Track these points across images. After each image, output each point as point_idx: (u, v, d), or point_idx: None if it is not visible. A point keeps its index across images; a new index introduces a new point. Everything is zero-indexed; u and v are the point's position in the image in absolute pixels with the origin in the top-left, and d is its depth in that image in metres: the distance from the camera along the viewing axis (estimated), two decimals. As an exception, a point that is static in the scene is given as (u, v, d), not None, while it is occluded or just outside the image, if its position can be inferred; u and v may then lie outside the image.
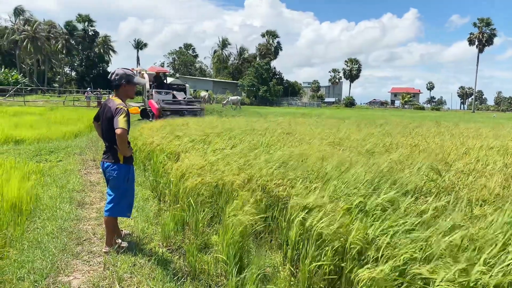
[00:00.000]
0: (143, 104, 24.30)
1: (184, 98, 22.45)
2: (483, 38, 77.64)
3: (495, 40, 78.21)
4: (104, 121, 4.16)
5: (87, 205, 5.99)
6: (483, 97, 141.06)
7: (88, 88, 46.15)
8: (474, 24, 78.96)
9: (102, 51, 78.68)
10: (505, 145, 7.68)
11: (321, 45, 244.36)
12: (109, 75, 4.28)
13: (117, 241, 4.26)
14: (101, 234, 4.68)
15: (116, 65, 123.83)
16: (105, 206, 4.25)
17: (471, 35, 79.25)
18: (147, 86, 22.48)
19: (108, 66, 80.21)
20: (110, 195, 4.22)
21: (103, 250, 4.20)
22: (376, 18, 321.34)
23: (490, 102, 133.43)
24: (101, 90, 46.92)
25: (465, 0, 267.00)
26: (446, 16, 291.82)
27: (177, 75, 74.86)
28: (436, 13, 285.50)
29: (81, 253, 4.18)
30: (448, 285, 2.17)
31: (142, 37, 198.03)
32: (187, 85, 24.86)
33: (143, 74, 23.59)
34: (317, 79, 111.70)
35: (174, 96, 21.97)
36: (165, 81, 23.60)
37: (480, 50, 79.26)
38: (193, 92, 43.03)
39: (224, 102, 42.27)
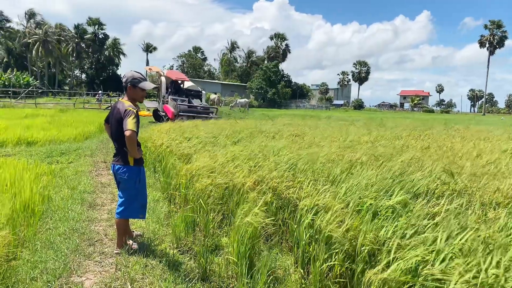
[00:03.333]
0: (157, 103, 23.85)
1: (200, 104, 22.32)
2: (494, 41, 76.89)
3: (508, 42, 77.29)
4: (114, 123, 4.18)
5: (98, 206, 6.03)
6: (494, 99, 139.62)
7: (100, 91, 46.29)
8: (485, 26, 78.26)
9: (111, 54, 79.31)
10: (518, 148, 7.59)
11: (331, 48, 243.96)
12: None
13: (128, 242, 4.29)
14: (113, 235, 4.71)
15: (126, 67, 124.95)
16: (116, 208, 4.28)
17: (482, 38, 78.55)
18: (163, 90, 22.19)
19: (118, 69, 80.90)
20: (121, 197, 4.24)
21: (115, 251, 4.23)
22: (389, 20, 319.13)
23: (501, 105, 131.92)
24: (111, 92, 47.17)
25: (479, 3, 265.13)
26: (459, 18, 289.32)
27: (186, 78, 75.15)
28: (449, 15, 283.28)
29: (93, 254, 4.21)
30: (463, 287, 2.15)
31: (155, 40, 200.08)
32: (203, 91, 24.55)
33: (160, 75, 23.25)
34: (327, 81, 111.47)
35: (190, 102, 21.63)
36: (182, 85, 23.11)
37: (491, 53, 78.54)
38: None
39: (232, 105, 42.34)
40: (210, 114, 20.76)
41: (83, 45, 74.64)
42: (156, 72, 24.10)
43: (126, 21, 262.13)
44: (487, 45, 78.03)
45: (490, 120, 43.83)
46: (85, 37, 74.05)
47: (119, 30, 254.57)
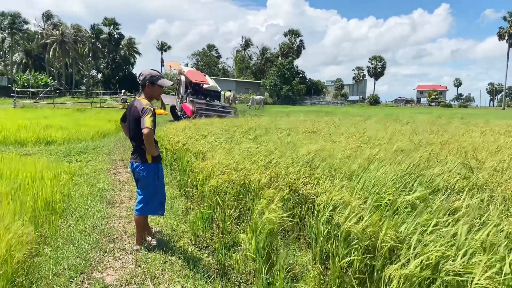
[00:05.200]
0: (175, 99, 23.75)
1: (219, 104, 22.24)
2: (514, 33, 75.00)
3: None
4: (131, 122, 4.23)
5: (117, 203, 6.12)
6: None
7: (123, 90, 46.40)
8: (504, 18, 76.40)
9: (127, 53, 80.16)
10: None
11: (347, 43, 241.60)
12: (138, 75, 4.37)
13: (147, 238, 4.34)
14: (132, 232, 4.77)
15: (141, 66, 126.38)
16: (135, 205, 4.33)
17: (501, 30, 76.73)
18: (182, 89, 22.18)
19: (133, 68, 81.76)
20: (140, 194, 4.29)
21: (134, 248, 4.29)
22: (406, 14, 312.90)
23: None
24: (127, 91, 47.45)
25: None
26: (479, 10, 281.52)
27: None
28: (469, 8, 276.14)
29: (113, 251, 4.27)
30: (488, 284, 2.11)
31: (170, 39, 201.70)
32: (222, 92, 24.45)
33: (181, 72, 23.15)
34: (343, 77, 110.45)
35: (208, 103, 21.64)
36: (201, 86, 22.84)
37: (511, 45, 76.62)
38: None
39: (249, 104, 42.38)
40: (229, 113, 20.81)
41: (99, 45, 75.66)
42: (178, 70, 23.90)
43: (142, 21, 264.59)
44: (506, 38, 76.16)
45: (510, 114, 42.84)
46: (100, 37, 75.01)
47: (135, 30, 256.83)
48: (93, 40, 73.38)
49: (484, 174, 4.37)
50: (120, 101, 39.89)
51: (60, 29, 68.02)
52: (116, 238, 4.66)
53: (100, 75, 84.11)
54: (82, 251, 4.16)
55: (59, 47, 66.45)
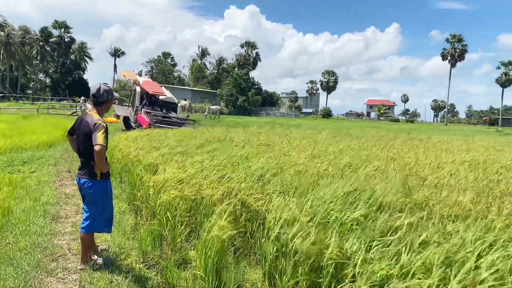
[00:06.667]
0: (128, 110, 23.06)
1: (175, 116, 21.96)
2: (455, 54, 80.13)
3: (468, 56, 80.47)
4: (81, 136, 4.10)
5: (62, 219, 5.86)
6: (455, 110, 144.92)
7: (82, 97, 43.79)
8: (447, 40, 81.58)
9: (78, 58, 77.44)
10: (476, 159, 7.95)
11: (303, 57, 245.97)
12: (94, 90, 4.11)
13: (93, 257, 4.19)
14: (77, 250, 4.59)
15: (93, 72, 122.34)
16: (81, 222, 4.18)
17: (444, 50, 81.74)
18: (137, 101, 21.64)
19: (84, 73, 79.02)
20: (86, 211, 4.14)
21: (79, 267, 4.12)
22: (360, 31, 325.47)
23: (462, 115, 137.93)
24: (77, 98, 45.24)
25: (445, 17, 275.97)
26: (426, 31, 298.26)
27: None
28: (417, 28, 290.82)
29: (55, 270, 4.08)
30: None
31: (126, 45, 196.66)
32: (179, 104, 24.05)
33: (136, 82, 22.50)
34: (299, 90, 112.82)
35: (165, 114, 21.34)
36: (157, 97, 22.36)
37: (453, 65, 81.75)
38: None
39: (205, 113, 42.18)
40: (185, 125, 20.56)
41: (48, 48, 72.52)
42: (133, 80, 23.23)
43: (97, 25, 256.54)
44: (449, 58, 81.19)
45: (452, 129, 45.59)
46: (50, 40, 71.95)
47: (89, 34, 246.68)
48: (41, 43, 70.26)
49: (425, 192, 4.62)
50: (82, 108, 37.80)
51: (6, 30, 64.58)
52: (59, 256, 4.46)
53: (48, 80, 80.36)
54: (22, 271, 3.94)
55: (4, 48, 63.02)
